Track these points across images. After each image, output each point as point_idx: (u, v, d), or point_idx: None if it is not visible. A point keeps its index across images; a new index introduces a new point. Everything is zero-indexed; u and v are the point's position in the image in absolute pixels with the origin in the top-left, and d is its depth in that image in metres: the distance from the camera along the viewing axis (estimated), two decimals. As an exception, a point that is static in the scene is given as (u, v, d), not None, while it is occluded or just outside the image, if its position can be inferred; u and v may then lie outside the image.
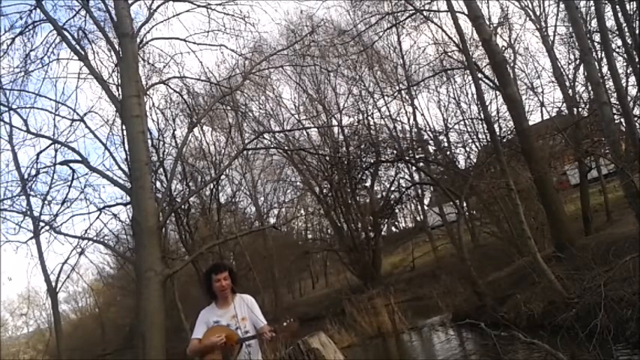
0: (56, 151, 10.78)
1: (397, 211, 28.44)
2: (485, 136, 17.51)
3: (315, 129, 24.81)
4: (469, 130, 18.48)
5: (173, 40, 11.84)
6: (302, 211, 31.79)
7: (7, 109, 10.79)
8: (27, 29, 10.30)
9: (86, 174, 11.17)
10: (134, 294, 11.55)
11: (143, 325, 8.56)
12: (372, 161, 21.34)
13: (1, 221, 11.48)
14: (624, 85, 12.11)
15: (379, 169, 23.76)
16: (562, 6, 14.40)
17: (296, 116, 25.36)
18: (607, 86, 11.58)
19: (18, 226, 11.63)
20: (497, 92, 15.39)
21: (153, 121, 16.89)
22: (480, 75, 14.29)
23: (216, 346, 3.49)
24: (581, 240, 11.60)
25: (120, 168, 13.33)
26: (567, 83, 15.90)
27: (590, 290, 7.54)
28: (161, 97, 28.30)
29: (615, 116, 10.74)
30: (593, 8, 11.59)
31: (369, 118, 22.68)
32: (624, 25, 9.63)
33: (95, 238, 11.87)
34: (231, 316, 3.67)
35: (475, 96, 17.27)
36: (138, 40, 10.46)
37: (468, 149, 18.68)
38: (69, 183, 11.00)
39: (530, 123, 14.98)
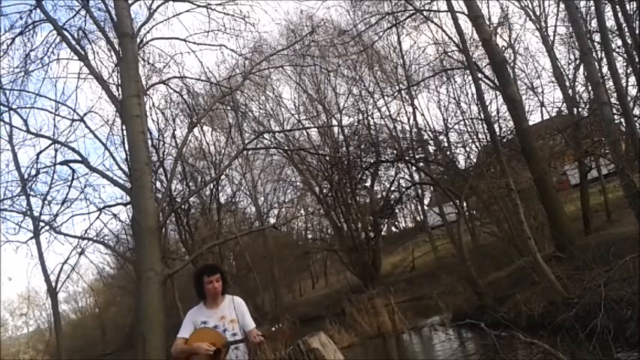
0: (56, 151, 10.82)
1: (397, 211, 28.47)
2: (485, 136, 17.51)
3: (315, 129, 24.85)
4: (469, 130, 18.49)
5: (173, 40, 11.89)
6: (302, 211, 31.81)
7: (7, 109, 10.83)
8: (27, 29, 10.31)
9: (86, 174, 11.24)
10: (134, 294, 11.55)
11: (143, 325, 8.56)
12: (372, 161, 21.37)
13: (1, 221, 11.52)
14: (624, 85, 12.11)
15: (379, 169, 23.75)
16: (562, 6, 14.42)
17: (296, 116, 25.43)
18: (607, 86, 11.57)
19: (18, 226, 11.72)
20: (497, 92, 15.39)
21: (153, 121, 16.95)
22: (480, 75, 14.30)
23: (205, 354, 3.44)
24: (581, 240, 11.60)
25: (120, 168, 13.37)
26: (567, 83, 15.88)
27: (590, 290, 7.53)
28: (161, 97, 28.36)
29: (615, 116, 10.73)
30: (593, 8, 11.59)
31: (369, 118, 22.73)
32: (624, 25, 9.62)
33: (95, 238, 11.92)
34: (219, 317, 3.65)
35: (475, 96, 17.26)
36: (138, 40, 10.46)
37: (468, 149, 18.68)
38: (69, 183, 11.06)
39: (530, 123, 14.98)
